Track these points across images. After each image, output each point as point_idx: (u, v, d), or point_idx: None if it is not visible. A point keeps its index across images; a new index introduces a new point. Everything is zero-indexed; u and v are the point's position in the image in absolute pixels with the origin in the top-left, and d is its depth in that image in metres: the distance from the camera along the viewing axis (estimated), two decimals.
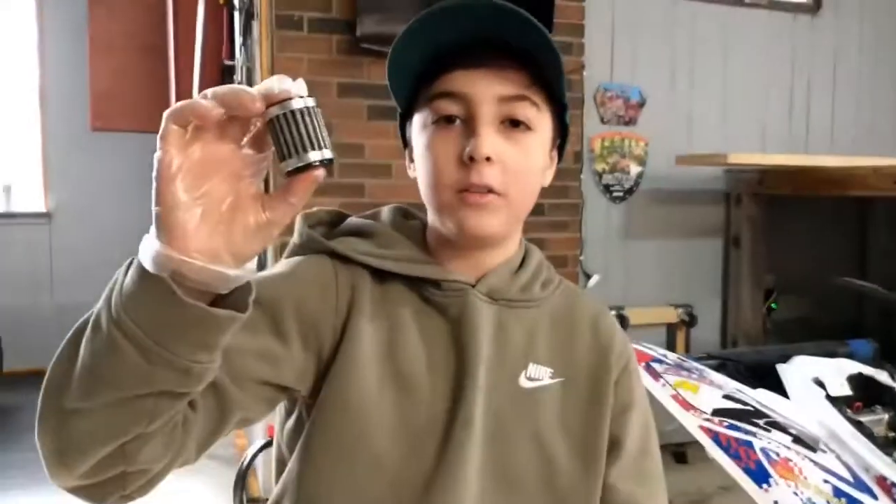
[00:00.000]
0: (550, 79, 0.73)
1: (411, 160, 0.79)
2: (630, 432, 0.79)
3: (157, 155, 0.49)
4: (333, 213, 0.82)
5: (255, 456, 2.30)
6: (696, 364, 1.68)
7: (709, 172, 3.34)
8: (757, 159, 3.07)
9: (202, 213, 0.50)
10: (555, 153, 0.79)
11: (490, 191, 0.70)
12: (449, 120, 0.71)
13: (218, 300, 0.53)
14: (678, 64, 3.29)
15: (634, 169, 3.22)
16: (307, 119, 0.50)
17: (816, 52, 3.53)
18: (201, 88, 3.05)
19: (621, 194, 3.23)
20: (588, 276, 3.12)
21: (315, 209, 0.81)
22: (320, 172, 0.51)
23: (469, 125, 0.71)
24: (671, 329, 3.30)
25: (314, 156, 0.50)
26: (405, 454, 0.71)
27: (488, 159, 0.69)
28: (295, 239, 0.80)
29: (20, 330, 4.04)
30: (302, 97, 0.50)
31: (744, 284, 3.33)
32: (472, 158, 0.69)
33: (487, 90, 0.70)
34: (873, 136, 3.63)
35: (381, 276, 0.75)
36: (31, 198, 4.45)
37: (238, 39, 2.90)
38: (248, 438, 3.02)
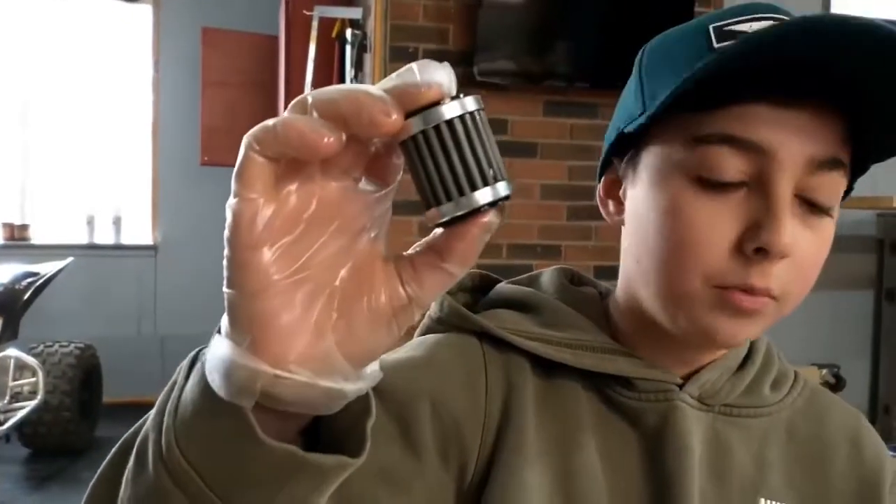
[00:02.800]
0: (879, 131, 0.49)
1: (610, 196, 0.58)
2: None
3: (232, 204, 0.30)
4: (478, 277, 0.64)
5: None
6: None
7: (858, 216, 3.05)
8: None
9: (305, 298, 0.31)
10: None
11: (766, 294, 0.48)
12: (727, 184, 0.48)
13: (324, 421, 0.36)
14: None
15: None
16: (470, 133, 0.31)
17: None
18: None
19: None
20: None
21: None
22: (492, 218, 0.32)
23: (762, 196, 0.48)
24: None
25: (483, 195, 0.31)
26: None
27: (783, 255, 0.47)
28: (432, 311, 0.60)
29: (122, 360, 4.09)
30: (458, 98, 0.31)
31: None
32: (761, 250, 0.47)
33: (799, 147, 0.47)
34: None
35: (544, 364, 0.56)
36: (139, 230, 4.55)
37: (349, 73, 2.86)
38: None
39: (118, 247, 4.47)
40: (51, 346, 3.44)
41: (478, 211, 0.31)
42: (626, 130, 0.53)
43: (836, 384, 2.97)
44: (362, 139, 0.31)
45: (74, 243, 4.31)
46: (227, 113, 3.75)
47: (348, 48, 2.89)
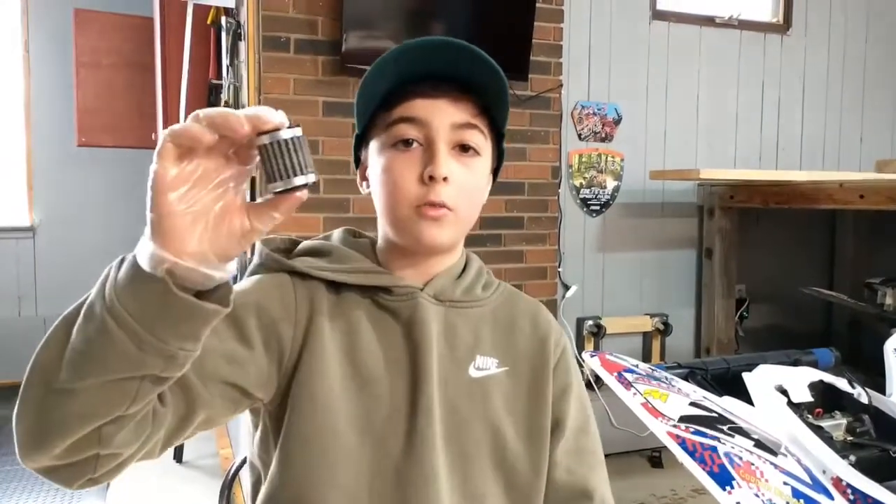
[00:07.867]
0: (496, 109, 0.81)
1: (363, 178, 0.86)
2: (569, 412, 0.87)
3: (154, 167, 0.53)
4: (289, 241, 0.89)
5: (240, 466, 2.35)
6: (665, 374, 1.77)
7: (682, 187, 3.45)
8: (726, 174, 3.18)
9: (192, 220, 0.54)
10: (490, 175, 0.87)
11: (443, 206, 0.78)
12: (408, 143, 0.79)
13: (202, 294, 0.57)
14: (653, 82, 3.40)
15: (611, 183, 3.33)
16: (294, 147, 0.55)
17: (786, 70, 3.67)
18: (188, 107, 3.10)
19: (598, 208, 3.33)
20: (566, 287, 3.22)
21: (272, 236, 0.85)
22: (303, 194, 0.57)
23: (427, 148, 0.78)
24: (647, 337, 3.40)
25: (299, 180, 0.56)
26: (374, 446, 0.77)
27: (445, 179, 0.77)
28: (255, 260, 0.85)
29: (3, 343, 4.05)
30: (290, 128, 0.55)
31: (716, 294, 3.44)
32: (431, 178, 0.77)
33: (444, 117, 0.78)
34: (840, 151, 3.77)
35: (336, 287, 0.82)
36: (15, 212, 4.46)
37: (225, 59, 2.95)
38: (233, 450, 3.07)
39: None
40: None
41: (295, 188, 0.55)
42: (358, 133, 0.84)
43: (665, 330, 3.41)
44: (229, 139, 0.54)
45: None
46: (104, 94, 3.75)
47: (224, 35, 2.97)
